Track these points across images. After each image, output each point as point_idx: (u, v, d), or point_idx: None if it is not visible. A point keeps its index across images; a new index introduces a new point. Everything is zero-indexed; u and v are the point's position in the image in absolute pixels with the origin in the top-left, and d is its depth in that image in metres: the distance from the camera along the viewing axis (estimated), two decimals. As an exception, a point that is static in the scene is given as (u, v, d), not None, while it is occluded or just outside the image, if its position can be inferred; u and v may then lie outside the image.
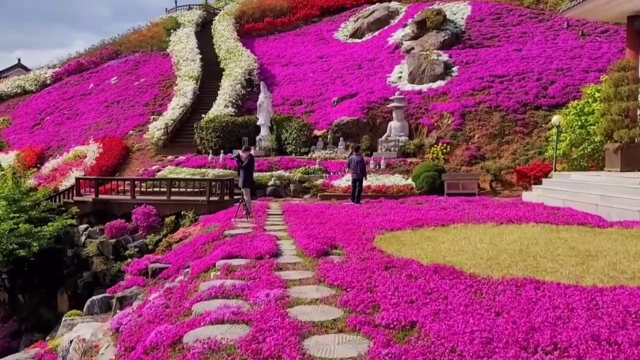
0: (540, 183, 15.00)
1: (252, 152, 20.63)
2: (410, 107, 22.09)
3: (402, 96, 21.97)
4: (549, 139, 17.33)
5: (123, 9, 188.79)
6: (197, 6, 42.31)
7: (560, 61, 22.64)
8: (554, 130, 15.59)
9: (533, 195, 14.33)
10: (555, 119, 15.19)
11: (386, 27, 32.54)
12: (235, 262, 6.71)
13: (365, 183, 17.84)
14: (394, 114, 21.54)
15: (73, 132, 27.74)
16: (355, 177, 15.19)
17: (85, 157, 23.13)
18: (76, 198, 17.85)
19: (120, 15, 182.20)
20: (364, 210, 12.68)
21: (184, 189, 17.23)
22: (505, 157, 18.99)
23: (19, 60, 53.58)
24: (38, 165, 24.33)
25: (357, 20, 34.93)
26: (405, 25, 30.59)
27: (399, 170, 19.02)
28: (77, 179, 17.95)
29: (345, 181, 18.07)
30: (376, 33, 32.51)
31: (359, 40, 32.62)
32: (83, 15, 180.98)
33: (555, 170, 15.11)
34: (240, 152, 13.33)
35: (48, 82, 38.13)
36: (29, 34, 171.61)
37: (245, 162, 12.86)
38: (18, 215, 15.58)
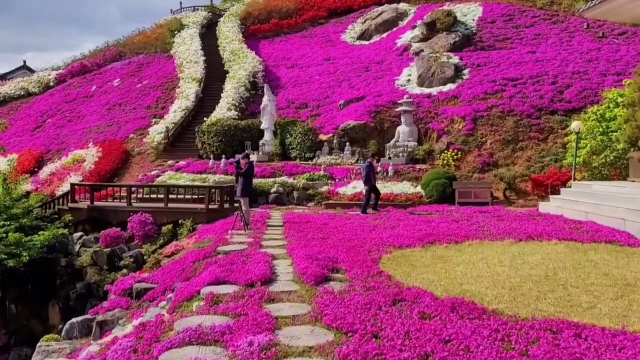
0: (558, 193, 14.09)
1: (253, 158, 20.22)
2: (420, 111, 21.24)
3: (410, 100, 21.13)
4: (567, 146, 16.41)
5: (132, 11, 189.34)
6: (203, 7, 41.70)
7: (577, 64, 21.69)
8: (573, 137, 14.67)
9: (551, 206, 13.42)
10: (575, 124, 14.27)
11: (394, 28, 31.70)
12: (222, 289, 5.90)
13: (373, 190, 17.12)
14: (402, 118, 20.69)
15: (73, 135, 27.12)
16: (365, 184, 14.66)
17: (84, 161, 22.47)
18: (71, 205, 17.13)
19: (129, 18, 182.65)
20: (370, 222, 11.83)
21: (182, 196, 16.44)
22: (519, 164, 18.07)
23: (25, 62, 53.34)
24: (35, 169, 23.72)
25: (364, 21, 34.13)
26: (414, 27, 29.74)
27: (407, 177, 18.16)
28: (72, 185, 17.24)
29: (351, 188, 17.25)
30: (384, 35, 31.68)
31: (366, 42, 31.80)
32: (93, 18, 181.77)
33: (575, 179, 14.19)
34: (239, 157, 12.50)
35: (51, 84, 37.63)
36: (40, 36, 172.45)
37: (244, 169, 12.06)
38: (8, 223, 14.88)
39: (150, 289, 8.07)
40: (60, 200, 17.65)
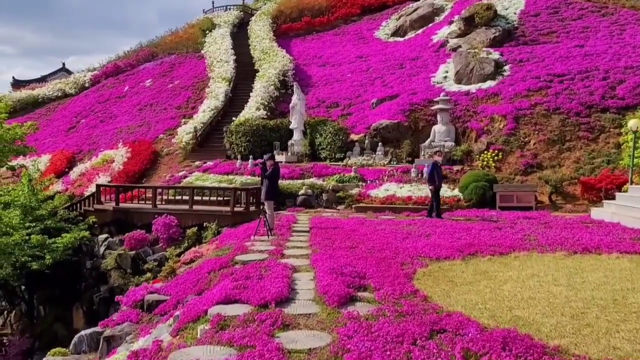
0: (612, 197, 12.84)
1: (282, 159, 19.50)
2: (457, 109, 20.11)
3: (447, 97, 20.03)
4: (622, 146, 15.05)
5: (168, 13, 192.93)
6: (235, 7, 41.40)
7: (630, 58, 20.10)
8: (630, 136, 13.36)
9: (605, 212, 12.18)
10: (633, 123, 12.95)
11: (430, 24, 30.50)
12: (232, 310, 5.15)
13: (405, 194, 16.14)
14: (438, 117, 19.61)
15: (104, 135, 27.11)
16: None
17: (113, 161, 22.28)
18: (96, 206, 16.83)
19: (165, 20, 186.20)
20: (403, 229, 10.91)
21: (207, 198, 15.87)
22: (566, 166, 16.75)
23: (64, 64, 54.56)
24: (67, 169, 23.71)
25: (399, 18, 33.05)
26: (451, 22, 28.49)
27: (444, 179, 17.06)
28: (98, 186, 16.94)
29: (383, 191, 16.35)
30: (419, 31, 30.52)
31: (400, 39, 30.72)
32: (131, 21, 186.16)
33: (632, 182, 12.88)
34: (265, 157, 11.77)
35: (87, 85, 38.03)
36: (81, 40, 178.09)
37: (269, 172, 11.34)
38: (34, 224, 14.65)
39: (162, 301, 7.41)
40: (87, 201, 17.40)
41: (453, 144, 19.04)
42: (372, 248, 8.47)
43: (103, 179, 20.83)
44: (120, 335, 7.02)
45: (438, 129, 19.43)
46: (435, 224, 11.69)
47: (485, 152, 17.76)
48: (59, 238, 14.13)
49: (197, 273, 7.77)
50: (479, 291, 5.99)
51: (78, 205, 17.52)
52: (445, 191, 16.08)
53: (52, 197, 16.73)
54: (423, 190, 16.08)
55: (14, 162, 19.80)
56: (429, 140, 19.40)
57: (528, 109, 18.75)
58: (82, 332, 7.74)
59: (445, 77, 22.99)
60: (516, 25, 26.09)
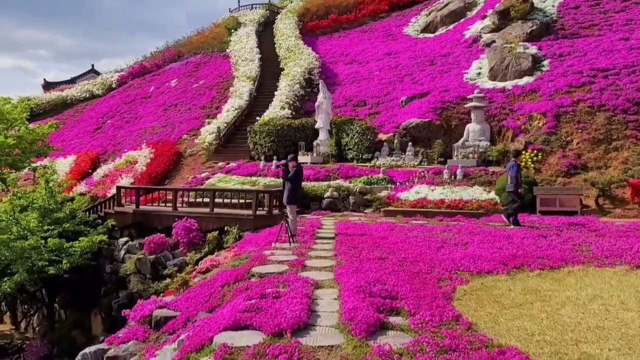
0: (669, 202, 11.60)
1: (307, 159, 18.74)
2: (492, 107, 18.98)
3: (482, 94, 18.93)
4: (678, 146, 13.73)
5: (196, 14, 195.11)
6: (261, 5, 40.89)
7: (681, 50, 18.62)
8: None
9: (662, 219, 10.98)
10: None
11: (462, 19, 29.29)
12: (241, 339, 4.39)
13: (438, 197, 15.13)
14: (472, 115, 18.53)
15: (129, 136, 26.87)
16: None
17: (136, 162, 21.91)
18: (117, 208, 16.37)
19: (193, 22, 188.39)
20: (437, 236, 9.99)
21: (229, 201, 15.21)
22: (613, 167, 15.48)
23: (93, 66, 55.09)
24: (90, 170, 23.48)
25: (429, 13, 31.90)
26: (484, 17, 27.24)
27: (479, 181, 16.02)
28: (118, 188, 16.49)
29: (414, 193, 15.40)
30: (451, 27, 29.34)
31: (431, 35, 29.60)
32: (161, 24, 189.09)
33: (693, 186, 11.63)
34: (289, 158, 10.98)
35: (114, 86, 38.08)
36: (113, 43, 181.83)
37: (292, 174, 10.58)
38: (52, 227, 14.25)
39: (171, 317, 6.71)
40: (107, 203, 16.99)
41: (488, 143, 17.95)
42: (404, 259, 7.60)
43: (126, 181, 20.48)
44: (125, 356, 6.35)
45: (472, 127, 18.35)
46: (472, 231, 10.73)
47: (524, 152, 16.62)
48: (77, 242, 13.68)
49: (210, 286, 7.05)
50: (533, 316, 5.07)
51: (99, 207, 17.12)
52: (481, 194, 15.06)
53: (72, 199, 16.32)
54: (456, 193, 15.10)
55: (37, 164, 19.57)
56: (462, 139, 18.34)
57: (570, 106, 17.50)
58: (86, 350, 7.11)
59: (479, 73, 21.84)
60: (555, 19, 24.70)
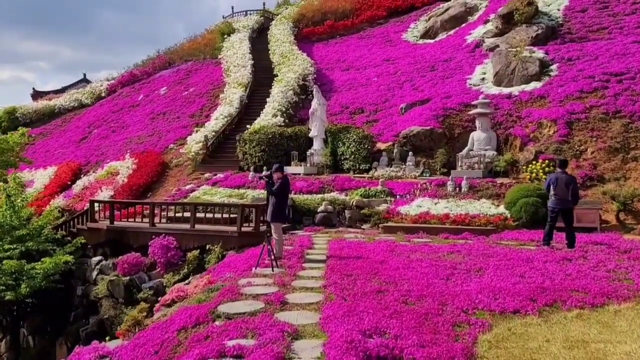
0: None
1: (300, 170, 17.37)
2: (498, 114, 17.68)
3: (487, 100, 17.64)
4: None
5: (195, 25, 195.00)
6: (255, 12, 39.72)
7: (700, 53, 17.36)
8: None
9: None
10: None
11: (463, 24, 28.11)
12: None
13: (441, 211, 13.71)
14: (477, 123, 17.23)
15: (113, 146, 25.47)
16: (561, 206, 10.15)
17: (118, 174, 20.49)
18: (90, 224, 14.94)
19: (192, 32, 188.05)
20: (444, 259, 8.58)
21: (212, 215, 13.79)
22: (633, 178, 14.14)
23: (85, 75, 53.81)
24: (69, 183, 22.02)
25: (429, 19, 30.75)
26: (486, 21, 26.07)
27: (486, 194, 14.65)
28: (92, 202, 15.07)
29: (415, 207, 14.01)
30: (451, 32, 28.15)
31: (431, 41, 28.39)
32: (161, 35, 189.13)
33: None
34: (274, 168, 9.52)
35: (103, 94, 36.74)
36: (114, 54, 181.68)
37: (277, 187, 9.18)
38: (13, 247, 12.77)
39: (113, 372, 5.28)
40: (80, 218, 15.55)
41: (495, 153, 16.62)
42: (408, 293, 6.18)
43: (106, 193, 19.06)
44: None
45: (477, 136, 17.03)
46: (485, 252, 9.32)
47: (534, 162, 15.28)
48: (39, 263, 12.19)
49: (164, 330, 5.61)
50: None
51: (71, 222, 15.69)
52: (489, 208, 13.68)
53: (40, 214, 14.88)
54: (462, 207, 13.72)
55: (10, 175, 18.12)
56: (466, 149, 17.01)
57: (582, 112, 16.20)
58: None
59: (483, 78, 20.57)
60: (560, 22, 23.49)
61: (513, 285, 6.56)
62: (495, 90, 19.31)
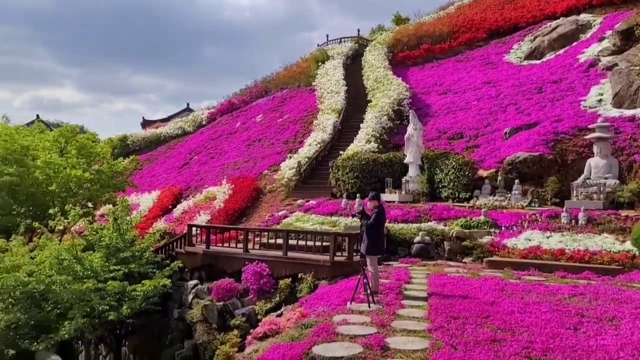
0: None
1: (395, 198, 16.58)
2: (619, 138, 15.86)
3: (606, 124, 15.88)
4: None
5: (289, 56, 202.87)
6: (349, 39, 40.01)
7: None
8: None
9: None
10: None
11: (574, 43, 26.05)
12: None
13: (555, 245, 12.28)
14: (595, 148, 15.52)
15: (212, 171, 26.38)
16: None
17: (215, 199, 21.03)
18: (187, 248, 15.29)
19: (286, 61, 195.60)
20: (567, 303, 7.42)
21: (304, 243, 13.45)
22: None
23: (188, 104, 57.18)
24: (170, 207, 22.98)
25: (534, 39, 28.93)
26: (601, 39, 23.96)
27: (608, 228, 12.93)
28: (189, 226, 15.44)
29: (524, 240, 12.68)
30: (560, 51, 26.20)
31: (537, 62, 26.60)
32: (257, 66, 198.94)
33: None
34: (370, 196, 8.94)
35: (204, 122, 38.63)
36: (213, 85, 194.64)
37: (372, 218, 8.56)
38: (118, 268, 13.26)
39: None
40: (179, 242, 15.96)
41: (617, 181, 14.81)
42: (530, 345, 5.24)
43: (203, 217, 19.58)
44: None
45: (595, 163, 15.32)
46: (615, 297, 7.98)
47: (666, 193, 13.35)
48: (140, 285, 12.52)
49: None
50: None
51: (171, 246, 16.15)
52: (613, 244, 12.01)
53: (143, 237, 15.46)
54: (580, 242, 12.20)
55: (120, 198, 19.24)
56: (582, 177, 15.33)
57: None
58: None
59: (600, 100, 18.68)
60: (691, 36, 20.90)
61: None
62: (615, 112, 17.42)
